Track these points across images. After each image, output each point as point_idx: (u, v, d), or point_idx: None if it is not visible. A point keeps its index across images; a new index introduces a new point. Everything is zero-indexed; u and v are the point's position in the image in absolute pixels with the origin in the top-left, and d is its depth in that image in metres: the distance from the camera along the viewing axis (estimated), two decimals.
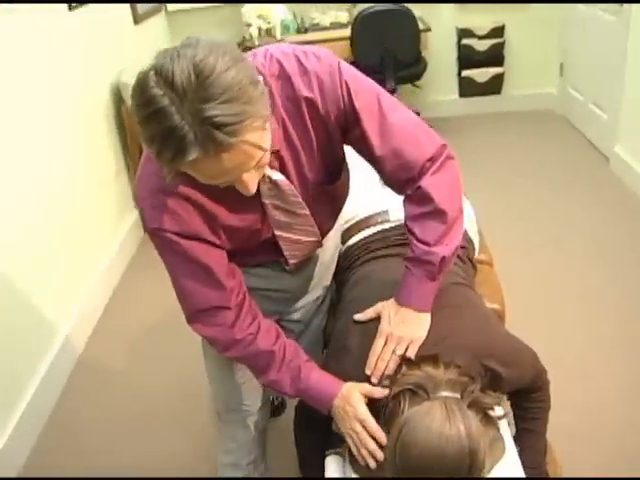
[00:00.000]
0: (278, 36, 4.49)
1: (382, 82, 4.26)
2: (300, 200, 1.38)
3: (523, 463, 1.54)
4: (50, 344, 2.59)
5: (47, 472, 2.22)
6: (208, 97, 0.96)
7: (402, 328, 1.35)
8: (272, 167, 1.29)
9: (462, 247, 1.71)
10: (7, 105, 2.45)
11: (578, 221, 3.37)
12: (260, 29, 4.48)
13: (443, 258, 1.33)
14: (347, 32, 4.22)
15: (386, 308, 1.40)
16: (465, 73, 4.76)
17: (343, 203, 1.63)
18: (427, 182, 1.32)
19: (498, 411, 1.37)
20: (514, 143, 4.43)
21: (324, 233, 1.56)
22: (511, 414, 1.59)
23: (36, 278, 2.52)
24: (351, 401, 1.32)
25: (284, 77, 1.23)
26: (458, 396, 1.25)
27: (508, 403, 1.59)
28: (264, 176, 1.28)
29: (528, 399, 1.56)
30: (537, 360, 1.54)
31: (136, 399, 2.49)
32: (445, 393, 1.24)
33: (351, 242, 1.77)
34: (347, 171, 1.56)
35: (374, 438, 1.29)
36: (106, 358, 2.73)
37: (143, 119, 0.99)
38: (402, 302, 1.38)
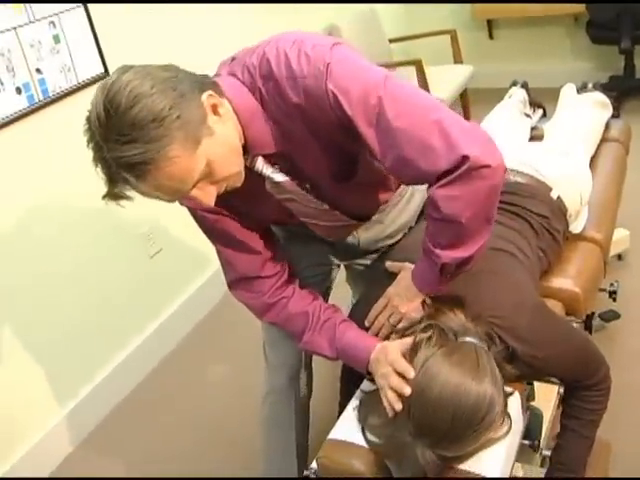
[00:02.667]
0: None
1: (617, 41, 3.86)
2: (311, 198, 1.34)
3: (553, 461, 1.47)
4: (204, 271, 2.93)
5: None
6: (114, 138, 1.00)
7: (400, 300, 1.34)
8: (278, 167, 1.28)
9: (542, 216, 1.60)
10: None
11: None
12: None
13: (444, 265, 1.22)
14: None
15: (404, 270, 1.38)
16: None
17: (388, 185, 1.52)
18: (437, 193, 1.15)
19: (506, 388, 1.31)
20: None
21: (370, 213, 1.53)
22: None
23: None
24: (386, 350, 1.31)
25: (273, 79, 1.16)
26: (486, 348, 1.23)
27: None
28: (265, 178, 1.28)
29: (575, 396, 1.46)
30: (593, 357, 1.44)
31: None
32: (473, 339, 1.24)
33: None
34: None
35: (402, 376, 1.24)
36: None
37: (88, 142, 1.05)
38: (413, 275, 1.34)
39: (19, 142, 2.17)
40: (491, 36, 4.77)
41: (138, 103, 0.99)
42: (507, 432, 1.26)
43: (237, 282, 1.47)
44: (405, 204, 1.62)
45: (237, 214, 1.38)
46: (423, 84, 3.52)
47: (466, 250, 1.21)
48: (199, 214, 1.38)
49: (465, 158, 1.10)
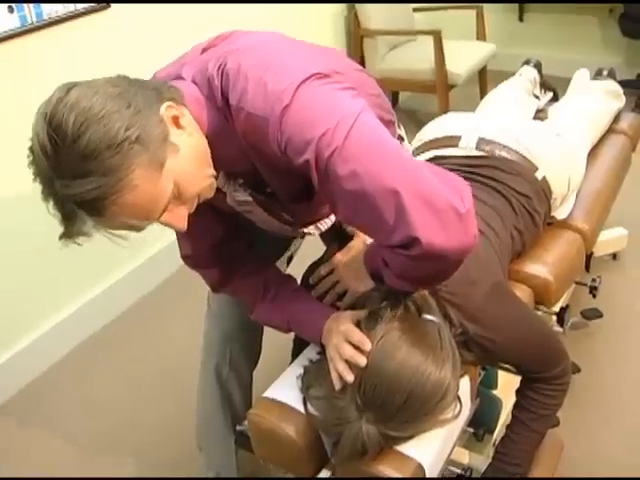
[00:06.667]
0: None
1: None
2: (271, 219, 1.24)
3: (498, 451, 1.41)
4: None
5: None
6: (64, 173, 0.87)
7: (347, 270, 1.29)
8: (242, 180, 1.16)
9: (524, 195, 1.53)
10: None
11: None
12: None
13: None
14: None
15: (358, 238, 1.32)
16: None
17: None
18: (386, 253, 1.07)
19: None
20: None
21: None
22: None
23: None
24: (339, 319, 1.24)
25: (228, 102, 1.01)
26: (448, 329, 1.20)
27: None
28: (225, 194, 1.17)
29: (530, 387, 1.40)
30: (554, 349, 1.37)
31: None
32: (436, 319, 1.19)
33: None
34: None
35: (356, 348, 1.16)
36: None
37: (34, 177, 0.92)
38: (365, 251, 1.27)
39: (8, 61, 2.09)
40: (521, 18, 4.62)
41: (87, 129, 0.86)
42: (454, 417, 1.21)
43: (187, 258, 1.39)
44: None
45: None
46: (440, 57, 3.42)
47: (409, 287, 1.14)
48: None
49: (416, 240, 0.95)
